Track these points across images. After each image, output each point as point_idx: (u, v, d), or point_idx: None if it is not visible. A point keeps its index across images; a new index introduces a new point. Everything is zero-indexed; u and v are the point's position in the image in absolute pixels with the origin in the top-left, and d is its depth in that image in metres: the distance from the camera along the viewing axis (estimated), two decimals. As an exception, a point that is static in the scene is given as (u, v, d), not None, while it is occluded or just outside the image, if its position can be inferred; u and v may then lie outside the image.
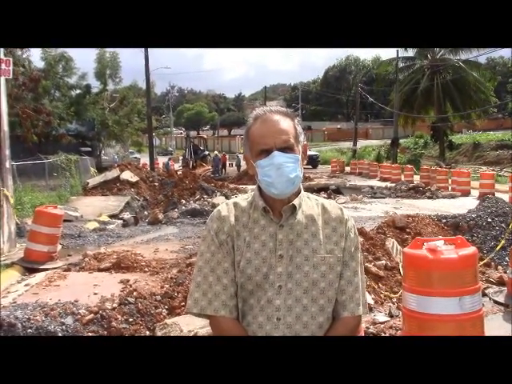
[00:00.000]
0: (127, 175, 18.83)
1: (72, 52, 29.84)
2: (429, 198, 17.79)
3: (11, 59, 9.05)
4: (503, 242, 7.13)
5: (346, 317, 1.82)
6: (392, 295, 5.81)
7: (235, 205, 1.87)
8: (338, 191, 21.62)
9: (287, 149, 1.74)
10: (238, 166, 34.99)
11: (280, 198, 1.78)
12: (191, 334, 4.27)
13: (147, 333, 4.85)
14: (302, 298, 1.76)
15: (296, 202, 1.80)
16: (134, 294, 5.33)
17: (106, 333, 4.71)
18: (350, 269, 1.84)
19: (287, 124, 1.78)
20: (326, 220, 1.84)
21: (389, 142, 37.20)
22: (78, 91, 31.84)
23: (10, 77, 9.21)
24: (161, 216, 13.60)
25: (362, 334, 3.95)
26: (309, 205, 1.86)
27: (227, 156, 39.45)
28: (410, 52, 36.80)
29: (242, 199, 1.90)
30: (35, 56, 47.63)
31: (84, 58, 30.53)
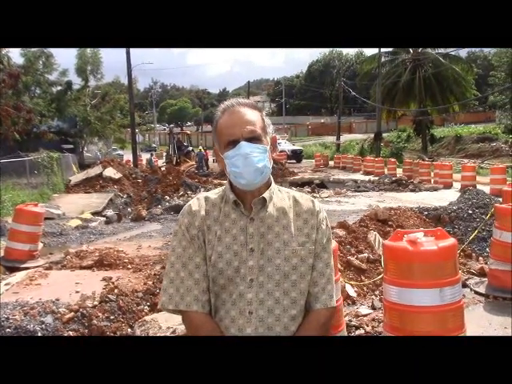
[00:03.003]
0: (110, 172, 18.66)
1: (52, 48, 29.53)
2: (411, 190, 17.93)
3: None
4: (476, 232, 7.21)
5: (318, 309, 1.82)
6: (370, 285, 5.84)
7: (206, 199, 1.88)
8: (322, 185, 21.71)
9: (254, 139, 1.75)
10: (222, 161, 34.77)
11: (249, 188, 1.77)
12: (170, 331, 4.24)
13: (129, 330, 4.82)
14: (274, 290, 1.76)
15: (266, 194, 1.80)
16: (116, 291, 5.28)
17: (86, 331, 4.67)
18: (322, 260, 1.84)
19: (254, 115, 1.79)
20: (298, 212, 1.84)
21: (372, 135, 37.39)
22: (59, 88, 31.61)
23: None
24: (144, 213, 13.54)
25: (344, 326, 3.96)
26: (280, 197, 1.86)
27: (210, 152, 39.23)
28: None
29: (213, 193, 1.91)
30: (14, 52, 47.02)
31: (64, 54, 30.38)
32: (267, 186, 1.83)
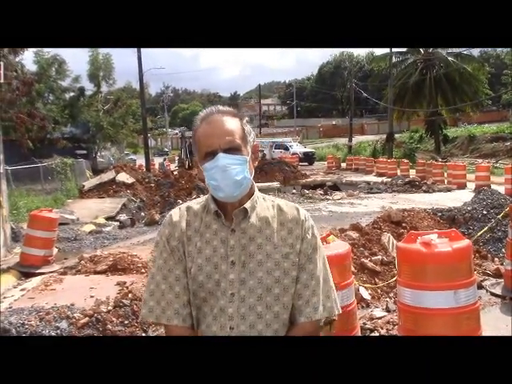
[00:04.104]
0: (123, 177, 18.75)
1: (64, 54, 29.98)
2: (425, 191, 17.80)
3: (2, 63, 9.02)
4: (485, 229, 7.15)
5: (302, 322, 1.73)
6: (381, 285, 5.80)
7: (188, 209, 1.81)
8: (334, 187, 21.65)
9: (233, 150, 1.68)
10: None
11: (228, 201, 1.71)
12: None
13: (143, 335, 4.83)
14: (256, 305, 1.68)
15: (248, 204, 1.73)
16: (130, 296, 5.31)
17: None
18: (307, 272, 1.74)
19: (233, 124, 1.72)
20: (282, 221, 1.76)
21: (384, 137, 37.21)
22: (72, 94, 31.86)
23: (2, 81, 9.18)
24: (157, 217, 13.58)
25: (358, 329, 3.94)
26: (264, 206, 1.78)
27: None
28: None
29: (196, 203, 1.84)
30: (28, 60, 47.56)
31: (77, 61, 30.58)
32: (249, 195, 1.75)
